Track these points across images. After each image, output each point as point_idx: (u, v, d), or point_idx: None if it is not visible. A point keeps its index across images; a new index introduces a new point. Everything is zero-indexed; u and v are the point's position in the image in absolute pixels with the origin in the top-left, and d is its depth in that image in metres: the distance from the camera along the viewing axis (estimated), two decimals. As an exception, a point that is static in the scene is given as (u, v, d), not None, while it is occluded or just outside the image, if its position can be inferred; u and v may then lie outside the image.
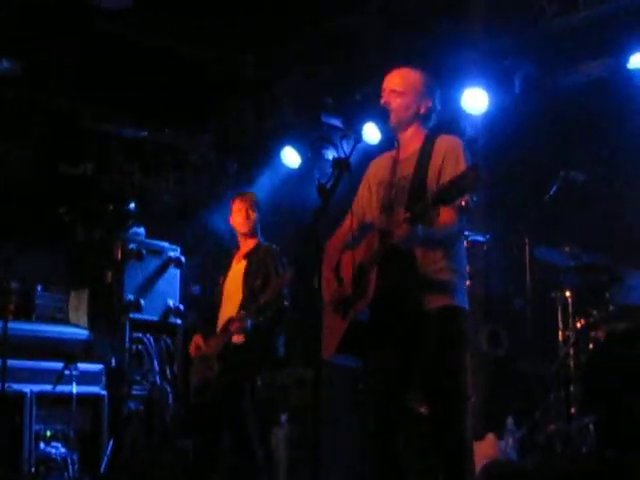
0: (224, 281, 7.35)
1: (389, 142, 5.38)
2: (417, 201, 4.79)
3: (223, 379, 6.91)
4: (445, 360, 4.92)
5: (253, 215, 7.33)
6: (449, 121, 8.61)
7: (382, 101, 5.20)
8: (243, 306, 6.96)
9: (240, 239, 7.41)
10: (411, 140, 5.21)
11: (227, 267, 7.41)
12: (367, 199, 5.31)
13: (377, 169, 5.33)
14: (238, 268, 7.28)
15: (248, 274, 7.16)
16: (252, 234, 7.34)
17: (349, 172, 4.77)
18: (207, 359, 7.03)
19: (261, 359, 7.14)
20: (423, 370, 4.96)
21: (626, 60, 7.95)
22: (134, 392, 8.44)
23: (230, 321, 6.95)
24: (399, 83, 5.20)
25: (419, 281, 4.92)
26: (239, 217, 7.34)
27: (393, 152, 5.30)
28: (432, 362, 4.91)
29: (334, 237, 5.31)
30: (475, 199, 4.49)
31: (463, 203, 4.51)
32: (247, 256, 7.29)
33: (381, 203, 5.15)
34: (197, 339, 7.18)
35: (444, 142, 5.10)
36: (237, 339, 6.95)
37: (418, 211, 4.67)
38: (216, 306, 7.29)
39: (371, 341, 5.03)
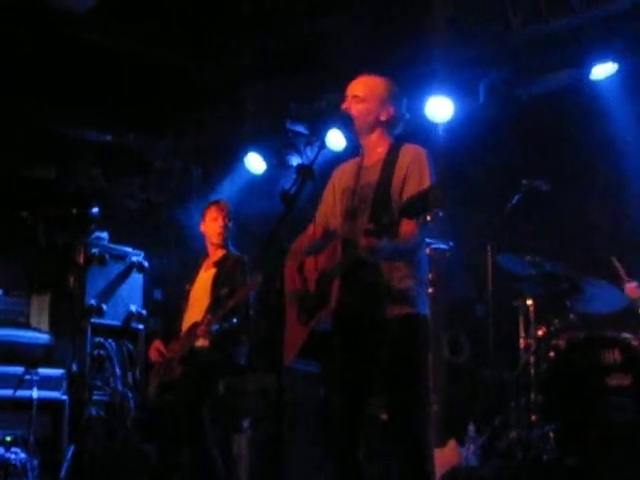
0: (190, 288, 7.32)
1: (354, 149, 5.39)
2: (381, 212, 4.82)
3: (185, 382, 6.85)
4: (406, 368, 4.92)
5: (228, 225, 7.31)
6: (416, 129, 8.67)
7: (343, 106, 5.19)
8: (209, 311, 6.92)
9: (210, 247, 7.38)
10: (375, 147, 5.20)
11: (194, 274, 7.38)
12: (331, 205, 5.29)
13: (342, 175, 5.31)
14: (207, 276, 7.26)
15: (216, 282, 7.12)
16: (224, 244, 7.32)
17: (313, 179, 4.77)
18: (169, 363, 6.99)
19: (224, 365, 7.07)
20: (384, 377, 4.97)
21: (589, 71, 8.02)
22: (95, 397, 8.39)
23: (195, 325, 6.91)
24: (361, 89, 5.20)
25: (381, 290, 4.92)
26: (214, 226, 7.31)
27: (358, 159, 5.29)
28: (393, 370, 4.92)
29: (297, 242, 5.28)
30: (441, 214, 4.48)
31: (429, 218, 4.50)
32: (216, 264, 7.26)
33: (344, 210, 5.14)
34: (157, 344, 7.15)
35: (409, 151, 5.08)
36: (202, 343, 6.93)
37: (384, 224, 4.65)
38: (180, 312, 7.26)
39: (333, 349, 5.03)
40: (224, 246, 7.33)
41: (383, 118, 5.19)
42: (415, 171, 4.98)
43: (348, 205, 5.13)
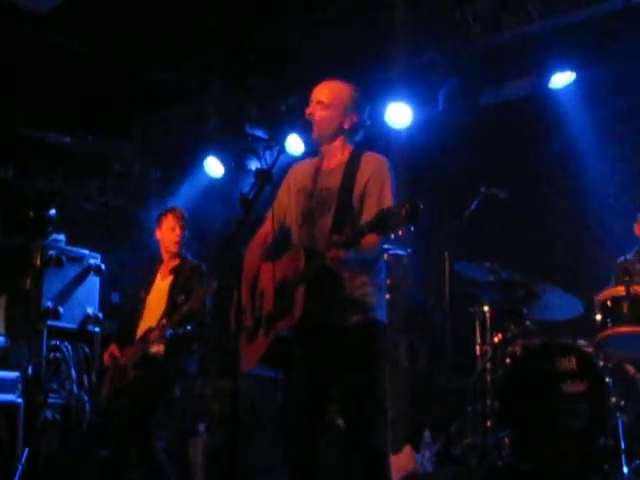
0: (146, 296, 7.26)
1: (313, 154, 5.37)
2: (343, 219, 4.85)
3: (138, 388, 6.81)
4: (364, 374, 4.92)
5: (184, 233, 7.26)
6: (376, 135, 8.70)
7: (307, 112, 5.15)
8: (164, 316, 6.88)
9: (165, 254, 7.32)
10: (336, 153, 5.17)
11: (150, 281, 7.32)
12: (286, 203, 5.26)
13: (297, 175, 5.27)
14: (163, 284, 7.21)
15: (173, 290, 7.08)
16: (180, 252, 7.28)
17: (271, 183, 4.77)
18: (123, 368, 6.95)
19: (176, 372, 7.02)
20: (343, 384, 4.96)
21: (548, 80, 8.09)
22: (51, 400, 8.31)
23: (149, 330, 6.87)
24: (327, 95, 5.16)
25: (343, 299, 4.91)
26: (172, 235, 7.25)
27: (316, 160, 5.27)
28: (350, 375, 4.91)
29: (254, 241, 5.26)
30: (412, 229, 4.46)
31: (400, 233, 4.48)
32: (173, 272, 7.22)
33: (301, 212, 5.12)
34: (112, 348, 7.11)
35: (371, 160, 5.07)
36: (156, 349, 6.88)
37: (352, 236, 4.62)
38: (135, 319, 7.20)
39: (291, 355, 5.01)
40: (180, 254, 7.28)
41: (346, 126, 5.16)
42: (377, 182, 4.97)
43: (305, 207, 5.11)
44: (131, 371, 6.87)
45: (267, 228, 5.25)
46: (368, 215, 4.72)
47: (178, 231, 7.23)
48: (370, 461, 4.88)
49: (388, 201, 4.85)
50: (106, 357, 7.13)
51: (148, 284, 7.31)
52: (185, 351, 6.97)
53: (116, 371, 7.01)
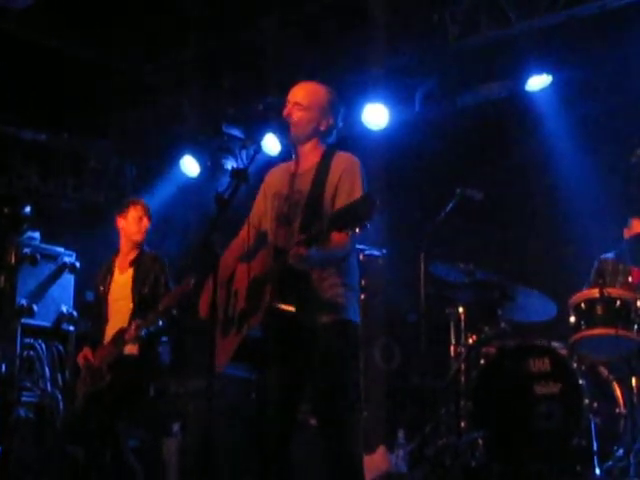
0: (107, 290, 7.17)
1: (289, 154, 5.38)
2: (312, 220, 4.84)
3: (114, 389, 6.77)
4: (336, 374, 4.93)
5: (148, 224, 7.18)
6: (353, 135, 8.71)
7: (284, 112, 5.15)
8: (137, 315, 6.81)
9: (125, 244, 7.21)
10: (309, 155, 5.19)
11: (107, 275, 7.23)
12: (263, 209, 5.28)
13: (273, 179, 5.28)
14: (124, 278, 7.11)
15: (136, 282, 7.01)
16: (142, 244, 7.20)
17: (247, 182, 4.77)
18: (97, 370, 6.89)
19: (152, 369, 7.00)
20: (315, 384, 4.98)
21: (524, 82, 8.12)
22: (24, 399, 8.28)
23: (121, 331, 6.80)
24: (304, 97, 5.17)
25: (311, 297, 4.93)
26: (136, 225, 7.15)
27: (290, 164, 5.28)
28: (322, 376, 4.93)
29: (231, 246, 5.28)
30: (368, 226, 4.48)
31: (357, 230, 4.51)
32: (133, 264, 7.12)
33: (276, 215, 5.13)
34: (86, 351, 7.04)
35: (342, 160, 5.09)
36: (130, 350, 6.82)
37: (313, 234, 4.66)
38: (101, 318, 7.15)
39: (264, 355, 5.02)
40: (140, 245, 7.19)
41: (322, 128, 5.18)
42: (347, 181, 4.99)
43: (279, 211, 5.12)
44: (106, 373, 6.82)
45: (244, 234, 5.26)
46: None
47: (145, 222, 7.16)
48: (342, 461, 4.89)
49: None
50: (80, 359, 7.07)
51: (105, 276, 7.22)
52: (157, 347, 6.95)
53: (89, 373, 6.96)
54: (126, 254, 7.19)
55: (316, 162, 5.13)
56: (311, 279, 4.92)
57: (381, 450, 7.20)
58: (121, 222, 7.22)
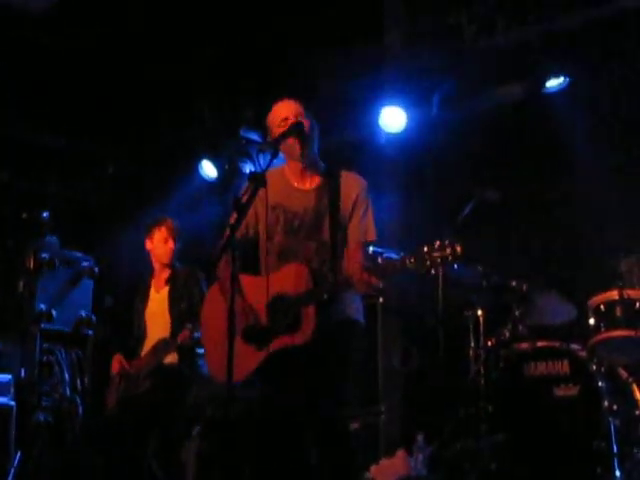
0: (143, 307, 7.25)
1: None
2: (338, 241, 5.06)
3: (154, 397, 6.85)
4: (343, 372, 5.17)
5: (174, 245, 7.23)
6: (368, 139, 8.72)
7: (293, 129, 5.13)
8: (176, 327, 6.90)
9: (157, 265, 7.31)
10: (310, 170, 5.26)
11: (144, 293, 7.31)
12: (253, 216, 5.28)
13: (269, 188, 5.05)
14: (161, 295, 7.20)
15: (173, 299, 7.10)
16: (172, 263, 7.26)
17: (264, 186, 4.80)
18: (133, 378, 6.95)
19: (192, 378, 7.04)
20: (317, 382, 5.11)
21: (542, 84, 8.10)
22: (43, 403, 8.30)
23: (161, 341, 6.88)
24: (301, 110, 5.27)
25: (346, 323, 5.16)
26: (165, 248, 7.22)
27: (286, 175, 5.31)
28: (330, 374, 5.10)
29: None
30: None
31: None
32: (168, 282, 7.21)
33: (281, 229, 5.19)
34: (120, 358, 7.07)
35: (352, 183, 5.20)
36: (170, 360, 6.91)
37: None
38: (140, 332, 7.21)
39: (285, 371, 5.10)
40: (171, 265, 7.27)
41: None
42: (362, 205, 5.17)
43: (287, 225, 5.19)
44: (143, 381, 6.88)
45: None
46: (353, 235, 5.07)
47: (171, 244, 7.21)
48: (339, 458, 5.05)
49: (372, 229, 5.16)
50: (114, 365, 7.10)
51: (142, 295, 7.31)
52: (197, 358, 6.96)
53: (125, 380, 7.00)
54: (159, 273, 7.29)
55: (322, 180, 5.20)
56: (343, 301, 5.13)
57: (401, 454, 7.19)
58: (148, 244, 7.32)
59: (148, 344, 7.08)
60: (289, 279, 5.04)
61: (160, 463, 7.06)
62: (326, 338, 4.98)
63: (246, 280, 5.21)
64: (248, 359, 5.05)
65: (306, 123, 5.18)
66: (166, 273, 7.26)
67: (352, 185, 5.18)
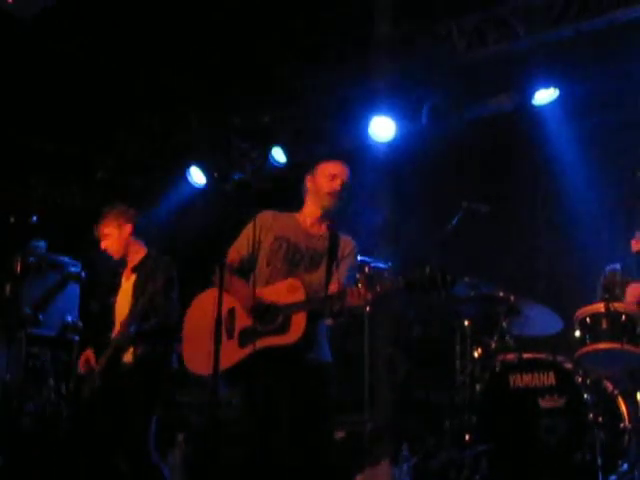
0: (114, 299, 6.88)
1: (295, 165, 5.48)
2: (331, 275, 5.47)
3: (106, 399, 6.52)
4: (321, 415, 5.44)
5: (124, 232, 6.82)
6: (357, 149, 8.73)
7: (337, 188, 5.60)
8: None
9: (128, 255, 6.87)
10: (321, 220, 5.69)
11: (117, 286, 6.92)
12: (257, 241, 5.61)
13: (277, 223, 5.69)
14: (128, 285, 6.79)
15: (137, 286, 6.66)
16: (132, 250, 6.84)
17: (251, 193, 4.90)
18: (92, 376, 6.64)
19: (152, 381, 6.63)
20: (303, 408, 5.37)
21: (531, 96, 8.13)
22: (28, 408, 8.29)
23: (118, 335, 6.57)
24: (347, 176, 5.66)
25: (318, 338, 5.47)
26: (108, 242, 6.86)
27: (298, 219, 5.72)
28: (315, 414, 5.38)
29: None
30: None
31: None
32: (135, 270, 6.79)
33: (288, 259, 5.56)
34: (88, 353, 6.73)
35: (347, 241, 5.68)
36: (127, 359, 6.55)
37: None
38: (109, 326, 6.84)
39: (260, 372, 5.33)
40: (138, 249, 6.84)
41: None
42: (350, 258, 5.65)
43: (289, 255, 5.58)
44: (98, 379, 6.57)
45: (235, 257, 5.64)
46: (339, 277, 5.47)
47: (114, 235, 6.81)
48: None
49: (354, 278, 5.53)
50: (81, 362, 6.76)
51: (115, 289, 6.94)
52: (159, 357, 6.66)
53: (89, 378, 6.68)
54: (130, 262, 6.90)
55: (327, 231, 5.68)
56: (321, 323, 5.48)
57: (384, 464, 7.18)
58: (103, 244, 6.94)
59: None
60: (282, 290, 5.40)
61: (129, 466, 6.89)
62: (315, 377, 5.39)
63: (243, 288, 5.54)
64: (231, 353, 5.30)
65: (346, 190, 5.65)
66: (135, 260, 6.83)
67: (347, 242, 5.68)
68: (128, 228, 6.84)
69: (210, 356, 4.91)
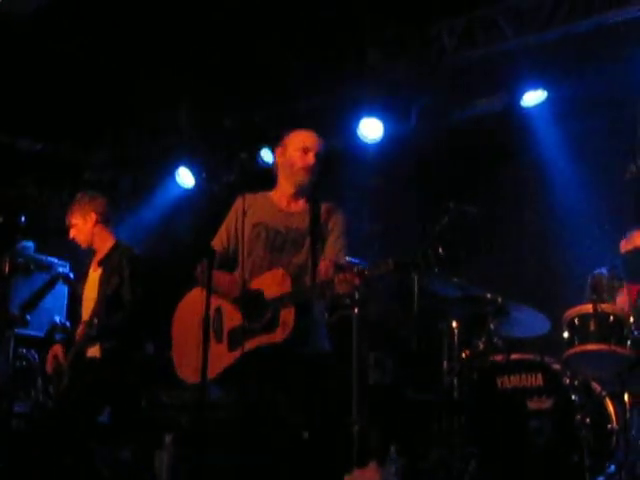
0: (81, 291, 6.84)
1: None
2: (315, 255, 5.25)
3: (72, 396, 6.45)
4: (333, 400, 5.37)
5: (89, 221, 6.78)
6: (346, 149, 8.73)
7: (311, 162, 5.36)
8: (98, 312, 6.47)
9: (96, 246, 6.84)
10: (298, 196, 5.46)
11: (84, 275, 6.88)
12: (233, 232, 5.45)
13: (251, 208, 5.45)
14: (95, 276, 6.72)
15: (102, 283, 6.59)
16: (99, 240, 6.76)
17: (242, 194, 4.89)
18: (61, 372, 6.56)
19: (113, 384, 6.56)
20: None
21: (520, 97, 8.14)
22: (16, 409, 8.27)
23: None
24: (322, 149, 5.44)
25: (313, 327, 5.29)
26: (74, 232, 6.83)
27: (274, 198, 5.51)
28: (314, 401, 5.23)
29: (203, 263, 5.31)
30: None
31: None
32: (101, 263, 6.72)
33: (269, 246, 5.35)
34: (56, 349, 6.65)
35: (331, 210, 5.45)
36: (92, 353, 6.46)
37: (370, 271, 4.94)
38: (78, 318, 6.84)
39: (256, 372, 5.21)
40: (105, 239, 6.77)
41: None
42: (337, 229, 5.41)
43: (272, 242, 5.36)
44: (66, 376, 6.50)
45: (217, 249, 5.36)
46: (328, 254, 5.28)
47: (80, 226, 6.79)
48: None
49: (344, 252, 5.35)
50: (49, 360, 6.67)
51: (84, 279, 6.91)
52: (124, 345, 6.55)
53: (57, 376, 6.63)
54: (98, 253, 6.83)
55: (305, 205, 5.43)
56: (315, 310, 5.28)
57: (373, 465, 7.17)
58: (72, 232, 6.93)
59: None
60: (268, 282, 5.18)
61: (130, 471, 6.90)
62: (318, 368, 5.24)
63: (228, 281, 5.34)
64: (220, 358, 5.17)
65: (318, 163, 5.43)
66: (103, 251, 6.76)
67: (331, 212, 5.43)
68: (93, 217, 6.78)
69: (199, 363, 4.82)
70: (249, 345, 5.12)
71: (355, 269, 4.92)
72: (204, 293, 5.04)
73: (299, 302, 5.08)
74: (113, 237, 6.86)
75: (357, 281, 4.90)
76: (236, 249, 5.41)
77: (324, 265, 5.17)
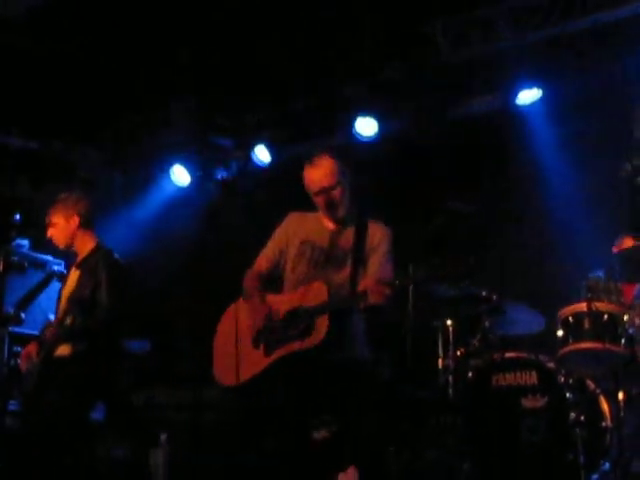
0: (62, 290, 6.83)
1: (280, 164, 5.48)
2: (358, 272, 5.39)
3: (42, 396, 6.42)
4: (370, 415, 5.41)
5: (71, 224, 6.71)
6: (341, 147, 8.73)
7: (331, 201, 5.48)
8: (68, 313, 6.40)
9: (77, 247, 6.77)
10: (338, 223, 5.59)
11: (66, 276, 6.86)
12: (284, 247, 5.65)
13: (302, 227, 5.67)
14: (73, 278, 6.69)
15: (79, 285, 6.52)
16: (80, 242, 6.68)
17: (236, 193, 4.91)
18: (34, 370, 6.49)
19: (89, 382, 6.46)
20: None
21: (515, 96, 8.15)
22: (11, 407, 8.25)
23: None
24: (331, 176, 5.48)
25: (357, 335, 5.52)
26: (53, 231, 6.76)
27: (318, 218, 5.65)
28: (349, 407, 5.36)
29: (252, 271, 5.67)
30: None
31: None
32: (80, 265, 6.66)
33: (313, 262, 5.52)
34: (31, 348, 6.60)
35: (377, 228, 5.59)
36: (62, 351, 6.40)
37: (398, 282, 5.18)
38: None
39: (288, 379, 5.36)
40: (86, 241, 6.69)
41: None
42: (382, 247, 5.54)
43: (317, 259, 5.53)
44: (36, 376, 6.45)
45: (263, 264, 5.67)
46: (370, 270, 5.41)
47: (60, 226, 6.71)
48: None
49: (389, 271, 5.46)
50: (23, 357, 6.61)
51: (64, 279, 6.89)
52: (97, 347, 6.42)
53: (28, 375, 6.56)
54: (79, 254, 6.77)
55: (352, 225, 5.55)
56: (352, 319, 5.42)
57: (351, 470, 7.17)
58: (50, 231, 6.87)
59: None
60: (309, 295, 5.35)
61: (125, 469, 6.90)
62: (356, 375, 5.37)
63: (271, 298, 5.53)
64: (255, 362, 5.36)
65: (338, 192, 5.51)
66: (83, 253, 6.66)
67: (377, 230, 5.58)
68: (76, 220, 6.73)
69: (235, 367, 5.18)
70: (283, 350, 5.30)
71: (390, 282, 5.10)
72: (245, 305, 5.46)
73: (333, 310, 5.23)
74: (94, 239, 6.80)
75: (388, 291, 5.05)
76: (280, 264, 5.64)
77: (364, 282, 5.26)
